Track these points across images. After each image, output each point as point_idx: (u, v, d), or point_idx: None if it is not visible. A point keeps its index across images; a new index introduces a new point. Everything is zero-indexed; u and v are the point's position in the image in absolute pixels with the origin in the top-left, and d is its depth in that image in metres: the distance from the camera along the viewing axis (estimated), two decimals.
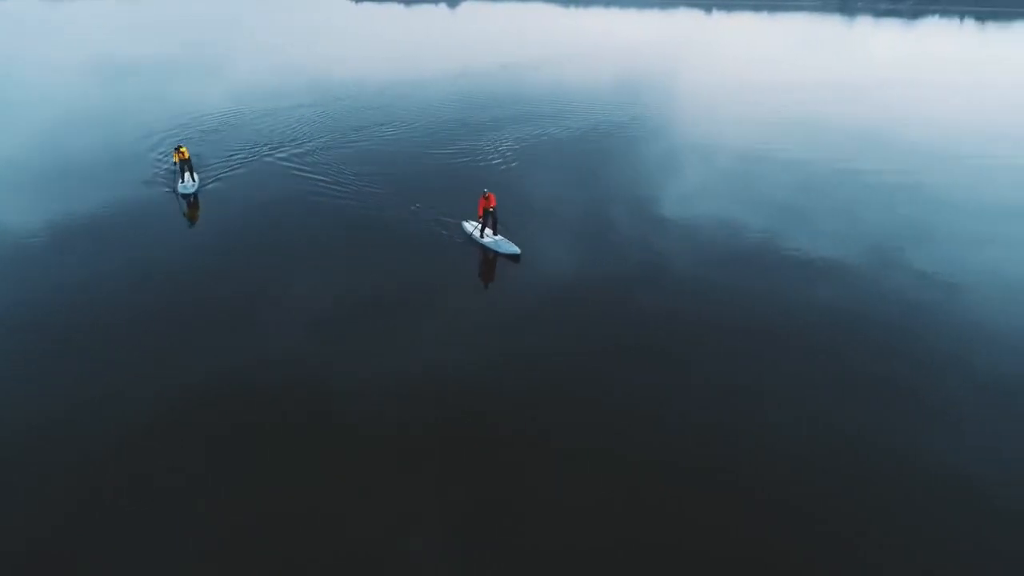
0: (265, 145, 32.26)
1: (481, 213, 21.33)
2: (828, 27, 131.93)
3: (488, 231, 21.65)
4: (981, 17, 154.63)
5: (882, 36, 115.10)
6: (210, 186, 26.51)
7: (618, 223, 23.48)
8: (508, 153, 31.98)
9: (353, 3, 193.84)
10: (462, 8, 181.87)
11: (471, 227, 22.35)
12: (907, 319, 17.18)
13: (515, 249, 20.85)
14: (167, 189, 26.02)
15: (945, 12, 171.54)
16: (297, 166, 29.28)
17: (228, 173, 28.22)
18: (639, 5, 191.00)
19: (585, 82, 54.20)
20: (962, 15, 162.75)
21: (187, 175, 26.35)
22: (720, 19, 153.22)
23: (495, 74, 58.42)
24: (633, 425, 12.91)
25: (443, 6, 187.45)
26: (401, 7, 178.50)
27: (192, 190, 25.85)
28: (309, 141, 33.16)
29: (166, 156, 29.53)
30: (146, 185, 26.50)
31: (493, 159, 30.99)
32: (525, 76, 57.26)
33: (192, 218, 23.94)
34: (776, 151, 33.81)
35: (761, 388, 14.22)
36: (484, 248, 21.27)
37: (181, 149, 26.41)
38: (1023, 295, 18.81)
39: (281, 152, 31.20)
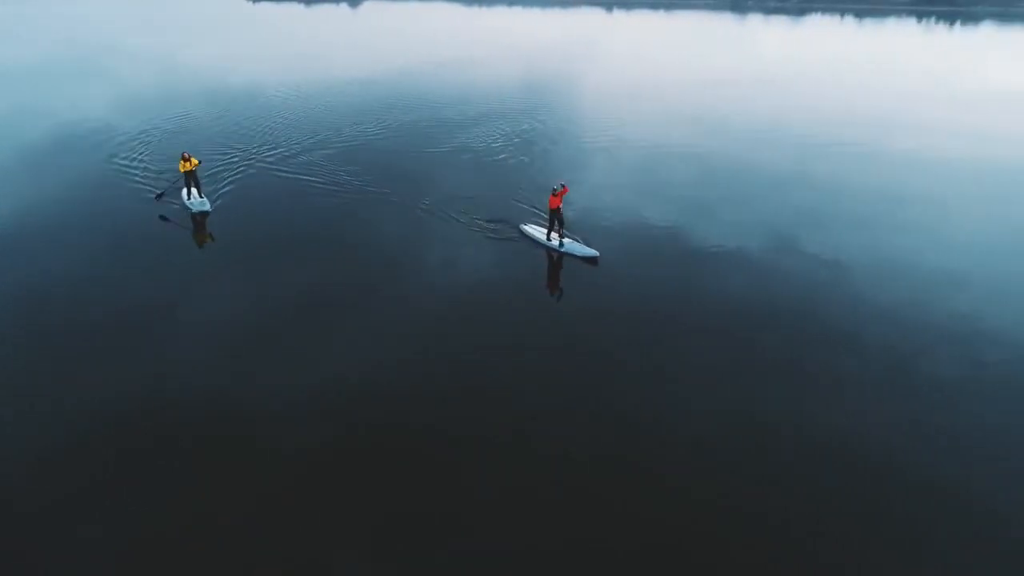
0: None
1: (552, 210, 20.18)
2: (721, 24, 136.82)
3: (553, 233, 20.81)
4: (860, 14, 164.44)
5: (771, 33, 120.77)
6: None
7: (530, 221, 22.89)
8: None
9: (250, 3, 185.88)
10: (364, 8, 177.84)
11: (533, 229, 21.52)
12: (805, 301, 17.76)
13: (591, 252, 20.11)
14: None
15: (827, 10, 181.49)
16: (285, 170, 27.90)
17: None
18: (542, 4, 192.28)
19: (495, 82, 53.80)
20: (842, 12, 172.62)
21: (193, 189, 23.80)
22: (621, 17, 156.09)
23: (435, 74, 57.35)
24: (557, 418, 12.99)
25: (344, 6, 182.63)
26: (301, 7, 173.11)
27: (206, 207, 23.42)
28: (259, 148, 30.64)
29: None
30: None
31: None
32: (450, 76, 56.32)
33: (201, 241, 21.83)
34: (677, 146, 34.32)
35: (676, 376, 14.43)
36: (551, 251, 20.62)
37: (190, 159, 23.49)
38: (902, 271, 19.73)
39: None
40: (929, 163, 31.84)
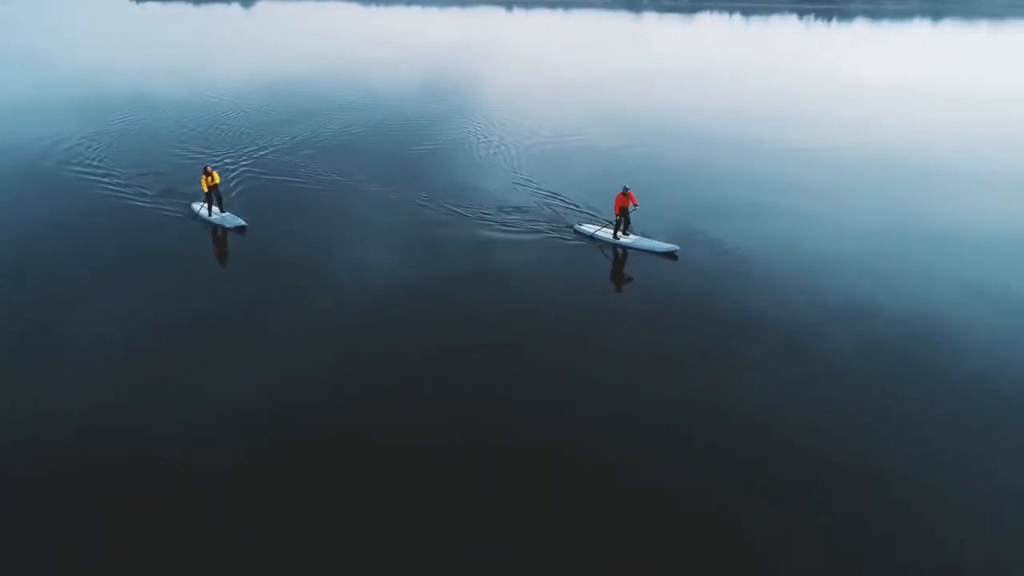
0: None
1: (618, 211, 20.24)
2: (618, 22, 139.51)
3: (594, 228, 21.05)
4: (746, 12, 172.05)
5: (666, 30, 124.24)
6: None
7: (434, 222, 22.63)
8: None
9: (135, 3, 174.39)
10: (257, 7, 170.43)
11: (594, 229, 21.29)
12: (711, 289, 18.13)
13: (668, 246, 20.11)
14: None
15: (716, 8, 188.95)
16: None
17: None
18: (440, 4, 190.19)
19: (392, 83, 53.05)
20: (731, 11, 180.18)
21: (214, 206, 22.36)
22: (521, 16, 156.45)
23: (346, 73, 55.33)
24: (480, 417, 12.78)
25: (236, 6, 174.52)
26: (190, 6, 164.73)
27: (239, 221, 22.03)
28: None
29: None
30: None
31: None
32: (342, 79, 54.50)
33: (221, 255, 20.87)
34: (577, 141, 34.38)
35: (587, 368, 14.42)
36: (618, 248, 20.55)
37: (212, 173, 21.93)
38: (800, 257, 20.19)
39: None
40: (817, 153, 32.73)
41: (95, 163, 29.35)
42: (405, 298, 17.52)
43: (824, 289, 18.11)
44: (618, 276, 19.76)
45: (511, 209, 23.61)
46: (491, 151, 32.01)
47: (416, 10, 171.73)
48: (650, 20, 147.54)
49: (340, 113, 40.49)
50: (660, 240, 20.62)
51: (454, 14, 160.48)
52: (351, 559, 9.60)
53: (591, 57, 74.23)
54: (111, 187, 26.10)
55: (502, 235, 21.57)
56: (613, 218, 20.86)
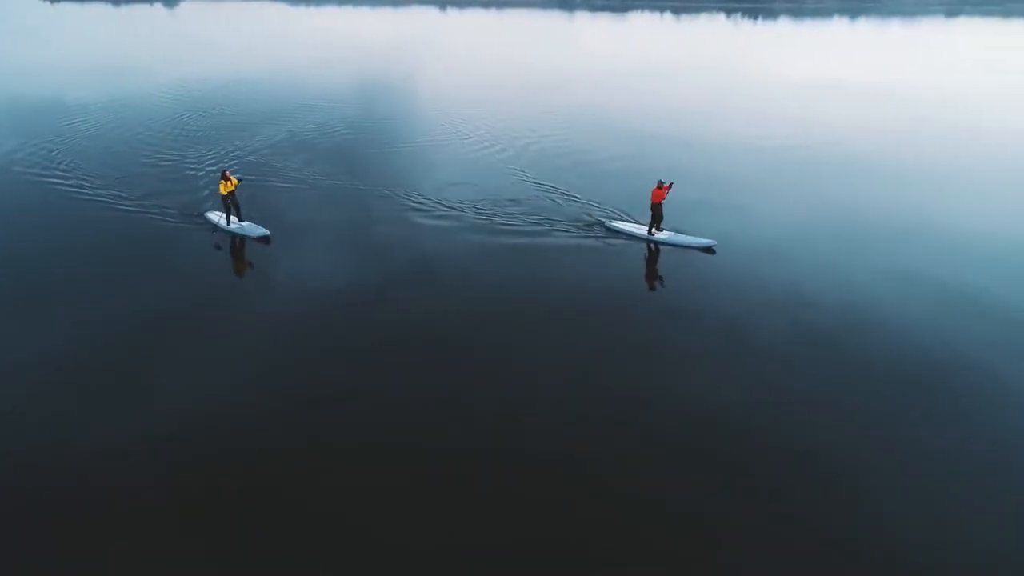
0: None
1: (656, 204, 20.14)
2: (553, 21, 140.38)
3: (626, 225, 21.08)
4: (676, 11, 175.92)
5: (601, 29, 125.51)
6: None
7: (372, 224, 22.40)
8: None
9: (48, 3, 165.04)
10: (182, 8, 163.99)
11: (625, 225, 21.17)
12: (628, 282, 18.53)
13: (706, 241, 20.24)
14: None
15: (647, 7, 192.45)
16: None
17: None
18: (371, 3, 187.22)
19: (348, 84, 52.26)
20: (662, 9, 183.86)
21: (231, 214, 21.17)
22: (455, 16, 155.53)
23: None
24: (426, 416, 12.70)
25: (159, 6, 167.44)
26: (109, 7, 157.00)
27: (262, 231, 20.81)
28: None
29: None
30: None
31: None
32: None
33: (243, 269, 19.73)
34: (507, 140, 34.28)
35: (531, 361, 14.54)
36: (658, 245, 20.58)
37: (230, 178, 20.77)
38: (733, 248, 20.53)
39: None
40: (749, 147, 33.60)
41: (63, 169, 28.18)
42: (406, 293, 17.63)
43: (755, 279, 18.52)
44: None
45: (506, 203, 24.00)
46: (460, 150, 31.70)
47: (348, 10, 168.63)
48: (584, 19, 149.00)
49: (309, 114, 39.91)
50: (696, 236, 20.74)
51: (387, 14, 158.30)
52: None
53: (531, 57, 74.45)
54: (89, 194, 25.18)
55: (476, 232, 21.47)
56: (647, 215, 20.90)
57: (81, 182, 26.36)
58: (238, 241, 21.10)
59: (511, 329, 15.88)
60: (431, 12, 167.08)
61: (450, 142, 33.45)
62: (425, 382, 13.77)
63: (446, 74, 59.11)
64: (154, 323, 15.98)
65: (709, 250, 20.14)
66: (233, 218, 21.23)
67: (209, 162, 29.20)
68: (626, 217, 22.55)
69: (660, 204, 20.22)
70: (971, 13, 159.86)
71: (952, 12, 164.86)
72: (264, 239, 20.73)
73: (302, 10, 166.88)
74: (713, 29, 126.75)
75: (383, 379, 13.91)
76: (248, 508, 10.46)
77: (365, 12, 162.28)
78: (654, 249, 20.57)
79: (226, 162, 28.69)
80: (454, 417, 12.63)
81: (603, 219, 22.04)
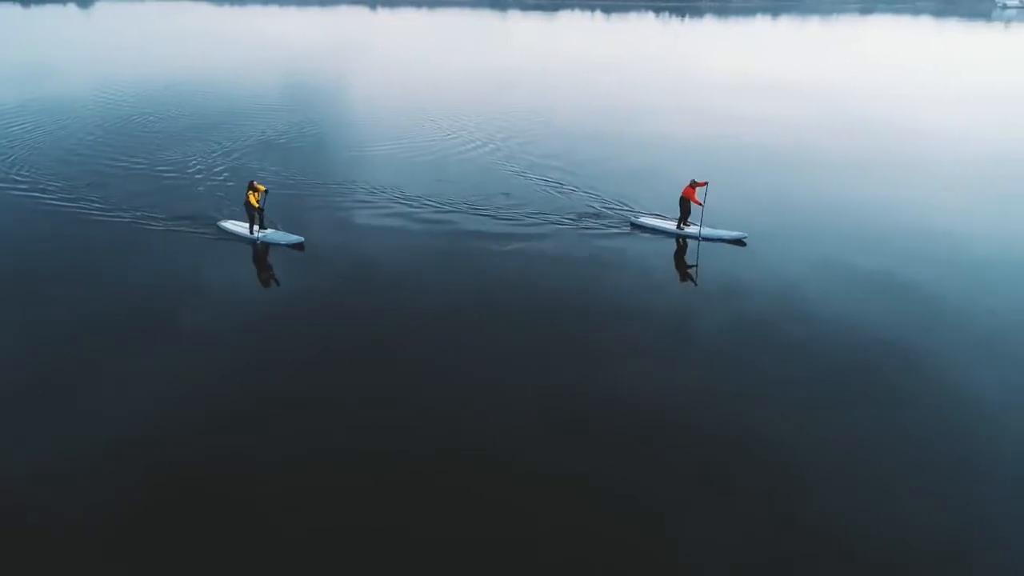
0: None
1: (696, 200, 20.32)
2: (485, 20, 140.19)
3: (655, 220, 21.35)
4: (607, 10, 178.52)
5: (530, 27, 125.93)
6: None
7: (309, 228, 21.37)
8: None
9: None
10: (97, 8, 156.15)
11: (656, 221, 21.34)
12: (590, 282, 18.25)
13: (736, 234, 20.27)
14: None
15: (578, 5, 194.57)
16: None
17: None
18: (299, 3, 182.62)
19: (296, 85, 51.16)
20: (592, 8, 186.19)
21: (255, 224, 20.22)
22: (386, 15, 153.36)
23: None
24: (376, 417, 12.48)
25: (72, 7, 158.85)
26: (18, 7, 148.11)
27: (295, 238, 19.98)
28: None
29: None
30: None
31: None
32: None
33: (264, 281, 18.74)
34: (434, 140, 34.08)
35: (486, 360, 14.41)
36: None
37: (259, 187, 19.95)
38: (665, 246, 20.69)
39: None
40: (688, 141, 34.22)
41: (20, 176, 26.60)
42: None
43: (696, 272, 18.95)
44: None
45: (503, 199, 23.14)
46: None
47: (274, 9, 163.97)
48: (515, 17, 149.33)
49: (274, 116, 38.86)
50: (726, 229, 20.79)
51: (315, 13, 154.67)
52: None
53: (464, 57, 74.03)
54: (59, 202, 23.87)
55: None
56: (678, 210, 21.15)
57: (47, 189, 24.88)
58: (263, 249, 20.25)
59: (457, 329, 15.72)
60: (361, 11, 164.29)
61: (379, 143, 32.64)
62: (366, 383, 13.53)
63: (371, 74, 58.34)
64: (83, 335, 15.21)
65: (739, 243, 20.34)
66: (256, 226, 20.31)
67: (194, 167, 28.12)
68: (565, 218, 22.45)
69: (689, 199, 20.60)
70: (883, 11, 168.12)
71: (866, 9, 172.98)
72: (298, 246, 19.95)
73: (226, 10, 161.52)
74: (644, 27, 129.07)
75: (337, 382, 13.65)
76: (189, 520, 10.07)
77: (292, 12, 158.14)
78: (739, 243, 20.58)
79: (209, 162, 28.50)
80: (410, 418, 12.45)
81: (631, 216, 22.09)
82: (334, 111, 41.22)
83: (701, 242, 20.55)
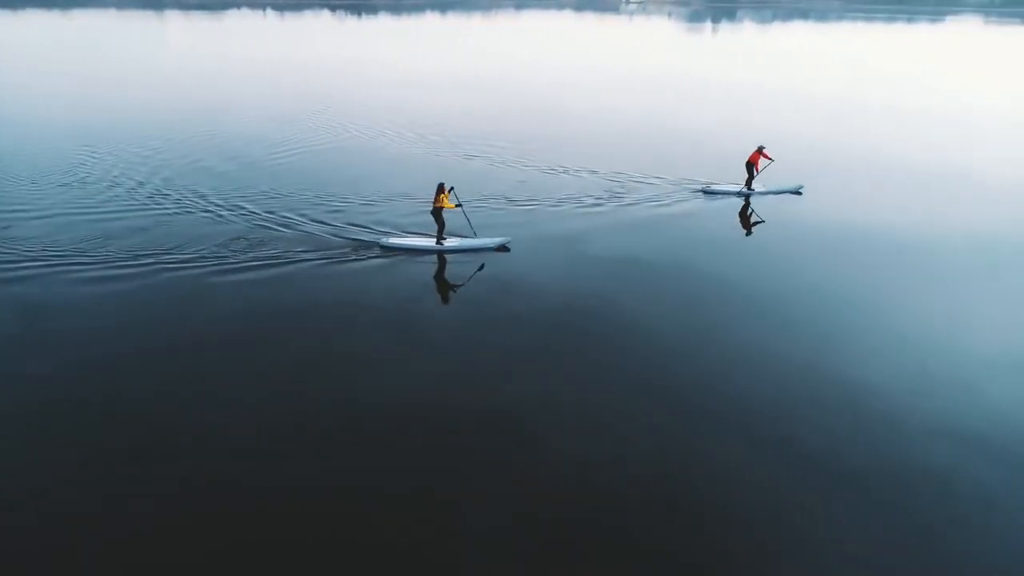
0: None
1: (758, 168, 23.44)
2: (135, 23, 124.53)
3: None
4: (279, 8, 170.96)
5: (195, 29, 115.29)
6: None
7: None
8: None
9: None
10: None
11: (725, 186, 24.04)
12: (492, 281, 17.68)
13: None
14: None
15: (248, 4, 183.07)
16: None
17: None
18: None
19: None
20: (264, 7, 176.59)
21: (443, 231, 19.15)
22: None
23: None
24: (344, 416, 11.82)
25: None
26: None
27: (500, 239, 19.39)
28: None
29: None
30: None
31: None
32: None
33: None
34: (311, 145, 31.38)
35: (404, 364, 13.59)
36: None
37: (447, 191, 18.50)
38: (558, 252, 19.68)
39: None
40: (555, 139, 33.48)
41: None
42: None
43: (580, 280, 17.94)
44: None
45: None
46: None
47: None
48: (176, 19, 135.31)
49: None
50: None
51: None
52: None
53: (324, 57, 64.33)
54: None
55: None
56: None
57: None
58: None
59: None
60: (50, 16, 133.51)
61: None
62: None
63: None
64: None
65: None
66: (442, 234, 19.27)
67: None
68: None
69: (755, 164, 23.39)
70: (533, 6, 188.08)
71: (521, 5, 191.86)
72: (503, 247, 19.39)
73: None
74: (322, 25, 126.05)
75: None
76: None
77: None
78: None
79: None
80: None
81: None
82: None
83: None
